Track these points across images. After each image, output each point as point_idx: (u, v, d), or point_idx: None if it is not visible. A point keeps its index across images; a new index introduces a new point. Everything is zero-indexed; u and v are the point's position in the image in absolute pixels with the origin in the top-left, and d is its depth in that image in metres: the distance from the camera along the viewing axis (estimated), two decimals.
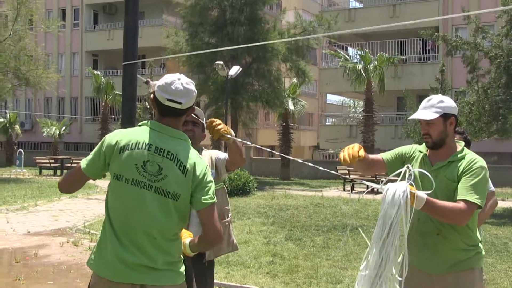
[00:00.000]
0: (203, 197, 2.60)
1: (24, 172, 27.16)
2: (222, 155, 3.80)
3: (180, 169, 2.57)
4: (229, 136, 3.36)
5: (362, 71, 25.62)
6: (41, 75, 25.63)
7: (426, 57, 30.23)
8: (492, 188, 4.59)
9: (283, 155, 2.94)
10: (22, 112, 39.54)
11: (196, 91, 2.71)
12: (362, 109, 28.17)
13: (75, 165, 28.52)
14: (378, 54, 26.19)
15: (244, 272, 7.21)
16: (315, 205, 15.08)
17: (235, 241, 3.91)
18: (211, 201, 2.62)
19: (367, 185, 3.24)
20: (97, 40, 37.67)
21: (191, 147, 2.72)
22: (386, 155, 3.29)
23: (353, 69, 25.79)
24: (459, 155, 3.04)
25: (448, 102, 3.07)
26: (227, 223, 3.83)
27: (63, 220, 11.99)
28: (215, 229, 2.62)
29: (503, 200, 17.96)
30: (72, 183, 2.75)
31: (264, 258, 7.99)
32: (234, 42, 24.18)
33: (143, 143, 2.56)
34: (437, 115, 2.99)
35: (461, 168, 2.95)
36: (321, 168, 3.81)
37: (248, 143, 3.40)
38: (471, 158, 3.00)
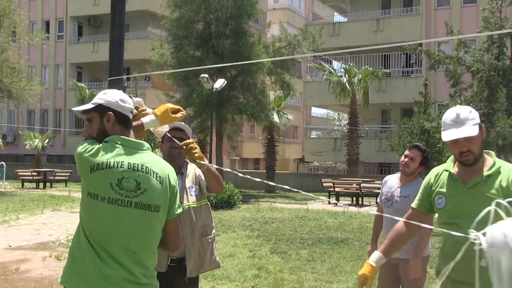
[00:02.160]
0: (175, 207, 2.67)
1: (6, 185, 26.82)
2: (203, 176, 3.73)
3: (157, 179, 2.58)
4: (202, 162, 3.29)
5: (346, 84, 25.81)
6: (24, 87, 25.44)
7: (410, 71, 30.55)
8: None
9: (267, 181, 2.86)
10: (4, 124, 39.17)
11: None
12: (347, 122, 28.32)
13: (58, 178, 28.34)
14: (363, 68, 26.43)
15: (229, 286, 7.17)
16: (300, 218, 15.07)
17: (217, 258, 3.82)
18: (180, 210, 2.72)
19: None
20: (82, 52, 37.53)
21: (156, 154, 2.78)
22: (416, 203, 3.00)
23: (338, 83, 25.97)
24: (495, 167, 2.74)
25: (474, 111, 2.81)
26: (209, 240, 3.74)
27: (46, 234, 11.84)
28: (177, 239, 2.74)
29: None
30: None
31: (249, 272, 7.95)
32: (219, 55, 24.25)
33: (114, 161, 2.51)
34: (477, 128, 2.70)
35: (506, 182, 2.64)
36: (303, 192, 3.81)
37: (227, 169, 3.32)
38: (510, 168, 2.72)
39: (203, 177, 3.62)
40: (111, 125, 2.64)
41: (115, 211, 2.49)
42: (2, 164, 28.23)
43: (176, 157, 3.63)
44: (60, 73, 39.05)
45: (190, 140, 3.33)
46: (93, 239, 2.51)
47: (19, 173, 27.70)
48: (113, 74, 4.16)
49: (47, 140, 33.70)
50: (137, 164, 2.55)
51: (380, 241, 4.80)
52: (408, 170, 4.52)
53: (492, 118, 13.38)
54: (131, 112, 2.74)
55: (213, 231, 3.79)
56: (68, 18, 38.35)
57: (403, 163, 4.54)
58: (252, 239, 11.13)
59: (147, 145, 2.70)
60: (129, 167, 2.52)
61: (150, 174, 2.56)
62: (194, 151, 3.24)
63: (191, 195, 3.63)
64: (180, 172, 3.66)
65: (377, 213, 4.80)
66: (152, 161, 2.62)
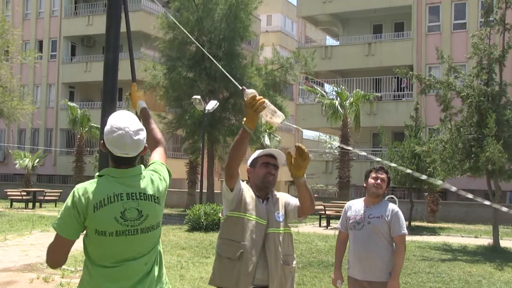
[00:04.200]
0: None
1: None
2: (293, 200, 3.68)
3: (155, 201, 2.72)
4: (304, 178, 3.36)
5: (338, 107, 25.97)
6: (16, 106, 25.39)
7: (401, 95, 30.82)
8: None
9: None
10: None
11: (145, 135, 2.75)
12: (338, 145, 28.42)
13: (48, 198, 28.08)
14: (354, 91, 26.63)
15: None
16: None
17: None
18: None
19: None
20: (74, 72, 37.57)
21: (161, 168, 2.90)
22: None
23: (330, 105, 26.12)
24: None
25: None
26: (291, 270, 3.61)
27: (34, 255, 11.70)
28: None
29: (476, 237, 18.12)
30: (60, 254, 2.69)
31: None
32: (212, 77, 24.37)
33: (113, 195, 2.61)
34: None
35: None
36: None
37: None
38: None
39: (291, 201, 3.63)
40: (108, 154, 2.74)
41: (124, 241, 2.63)
42: None
43: (269, 186, 3.59)
44: (52, 92, 39.02)
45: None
46: (105, 264, 2.63)
47: (8, 193, 27.47)
48: (107, 96, 4.19)
49: (37, 160, 33.55)
50: (135, 193, 2.66)
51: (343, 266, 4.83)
52: (381, 191, 4.62)
53: (482, 143, 13.49)
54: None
55: (294, 262, 3.68)
56: (61, 38, 38.46)
57: (375, 185, 4.59)
58: None
59: (140, 167, 2.76)
60: (128, 197, 2.63)
61: (148, 200, 2.69)
62: (303, 160, 3.32)
63: (277, 220, 3.55)
64: (267, 197, 3.61)
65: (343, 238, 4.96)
66: (148, 184, 2.72)
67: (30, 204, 27.17)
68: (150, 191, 2.70)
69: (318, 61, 30.18)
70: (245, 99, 3.10)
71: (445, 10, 29.23)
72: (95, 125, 31.41)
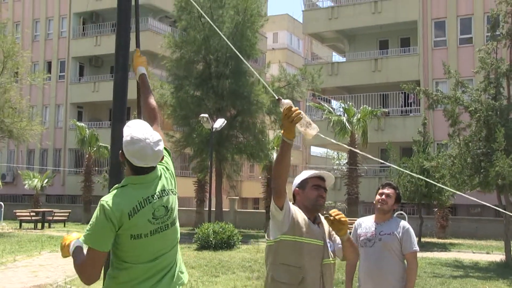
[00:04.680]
0: None
1: (3, 226, 26.63)
2: (337, 237, 3.52)
3: (173, 193, 2.95)
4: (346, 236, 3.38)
5: (346, 123, 25.95)
6: (25, 127, 25.53)
7: (408, 110, 30.77)
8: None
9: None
10: (3, 164, 39.15)
11: (163, 145, 2.87)
12: (346, 161, 28.35)
13: (56, 218, 28.13)
14: (361, 107, 26.61)
15: None
16: None
17: None
18: None
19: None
20: (82, 92, 37.84)
21: (166, 159, 3.03)
22: None
23: (337, 122, 26.11)
24: None
25: None
26: None
27: (43, 276, 11.69)
28: None
29: (487, 253, 17.93)
30: (95, 269, 2.71)
31: None
32: (219, 95, 24.47)
33: (143, 200, 2.76)
34: None
35: None
36: None
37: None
38: None
39: (337, 239, 3.50)
40: (126, 164, 2.85)
41: (159, 238, 2.82)
42: (0, 204, 28.10)
43: (320, 209, 3.51)
44: (60, 112, 39.28)
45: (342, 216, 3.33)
46: (144, 262, 2.80)
47: (17, 214, 27.54)
48: (117, 116, 4.20)
49: (46, 180, 33.64)
50: (159, 192, 2.84)
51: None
52: (386, 207, 4.55)
53: (491, 157, 13.41)
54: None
55: None
56: (70, 59, 38.81)
57: (380, 200, 4.56)
58: (252, 281, 11.00)
59: (156, 171, 2.89)
60: (155, 198, 2.81)
61: (169, 194, 2.90)
62: (341, 217, 3.31)
63: (329, 248, 3.44)
64: (317, 221, 3.48)
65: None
66: (165, 180, 2.92)
67: (39, 225, 27.21)
68: (167, 186, 2.91)
69: (325, 77, 30.25)
70: (281, 109, 3.06)
71: (450, 25, 29.29)
72: (103, 145, 31.52)
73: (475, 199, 3.99)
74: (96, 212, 2.70)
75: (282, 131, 3.12)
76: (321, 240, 3.37)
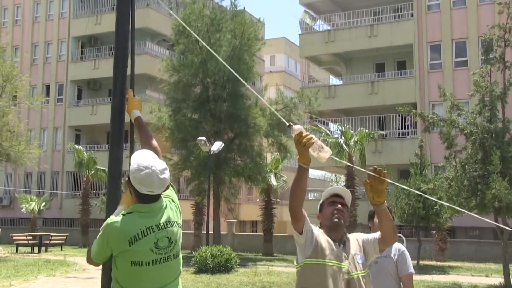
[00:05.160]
0: None
1: (0, 250, 26.46)
2: (369, 236, 3.52)
3: (178, 226, 3.02)
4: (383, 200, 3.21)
5: (343, 146, 26.04)
6: (23, 150, 25.57)
7: (405, 132, 30.90)
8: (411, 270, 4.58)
9: None
10: (0, 187, 39.04)
11: (169, 174, 2.95)
12: (344, 184, 28.37)
13: (54, 242, 28.01)
14: (359, 130, 26.73)
15: None
16: None
17: None
18: None
19: None
20: (81, 115, 37.94)
21: (171, 193, 3.10)
22: None
23: (335, 144, 26.19)
24: None
25: None
26: None
27: None
28: None
29: (486, 276, 17.87)
30: (97, 265, 3.06)
31: None
32: (217, 118, 24.59)
33: (145, 228, 2.84)
34: None
35: None
36: None
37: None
38: None
39: (369, 236, 3.49)
40: (132, 192, 2.94)
41: (161, 268, 2.87)
42: None
43: (339, 224, 3.43)
44: (58, 135, 39.32)
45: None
46: None
47: (14, 237, 27.39)
48: (115, 140, 4.25)
49: (43, 203, 33.54)
50: (163, 223, 2.91)
51: None
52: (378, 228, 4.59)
53: (488, 180, 13.47)
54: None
55: None
56: (68, 82, 38.99)
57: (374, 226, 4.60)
58: None
59: (162, 200, 2.97)
60: (159, 228, 2.88)
61: (173, 226, 2.96)
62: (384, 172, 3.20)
63: (358, 263, 3.40)
64: (343, 241, 3.43)
65: None
66: (170, 212, 2.98)
67: (36, 249, 27.06)
68: (172, 218, 2.97)
69: (322, 100, 30.42)
70: (292, 135, 3.11)
71: (446, 48, 29.59)
72: (101, 168, 31.51)
73: (474, 215, 4.06)
74: (101, 230, 2.88)
75: (297, 156, 3.16)
76: (345, 264, 3.33)
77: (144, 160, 2.89)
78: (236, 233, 31.69)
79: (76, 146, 32.79)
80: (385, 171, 3.21)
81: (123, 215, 2.88)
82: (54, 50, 39.75)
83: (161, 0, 35.94)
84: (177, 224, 3.00)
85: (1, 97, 25.18)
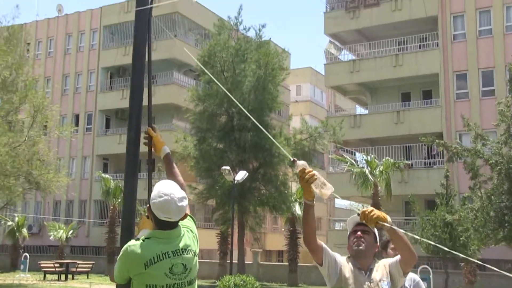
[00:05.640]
0: None
1: (28, 277, 26.79)
2: (393, 259, 3.51)
3: (194, 254, 3.13)
4: (386, 225, 3.18)
5: (368, 175, 25.86)
6: (52, 179, 26.01)
7: (432, 162, 30.54)
8: None
9: None
10: (30, 215, 39.67)
11: (187, 202, 3.08)
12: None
13: (80, 269, 28.25)
14: (384, 159, 26.53)
15: None
16: None
17: None
18: None
19: None
20: (108, 144, 38.55)
21: (190, 224, 3.21)
22: None
23: (360, 174, 26.04)
24: None
25: None
26: None
27: None
28: None
29: None
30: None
31: None
32: (241, 147, 24.73)
33: (161, 254, 2.99)
34: None
35: None
36: None
37: (401, 231, 3.21)
38: None
39: (391, 260, 3.49)
40: (152, 217, 3.10)
41: None
42: (25, 255, 28.35)
43: (359, 251, 3.46)
44: (87, 164, 39.97)
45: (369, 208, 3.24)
46: None
47: (42, 265, 27.73)
48: (130, 170, 4.38)
49: (71, 231, 33.93)
50: (179, 250, 3.05)
51: None
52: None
53: None
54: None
55: None
56: (97, 111, 39.79)
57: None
58: None
59: (179, 228, 3.11)
60: (174, 254, 3.02)
61: (189, 254, 3.09)
62: (371, 214, 3.16)
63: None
64: (370, 268, 3.47)
65: None
66: (187, 240, 3.11)
67: (63, 276, 27.31)
68: (189, 246, 3.10)
69: (348, 129, 30.38)
70: (297, 171, 3.22)
71: (472, 77, 29.37)
72: None
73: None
74: (120, 255, 3.05)
75: (302, 193, 3.28)
76: None
77: (165, 188, 3.07)
78: (261, 262, 31.51)
79: (104, 175, 33.23)
80: (372, 214, 3.20)
81: (142, 240, 3.04)
82: (84, 80, 40.72)
83: (188, 32, 36.64)
84: (193, 252, 3.11)
85: (32, 126, 25.77)
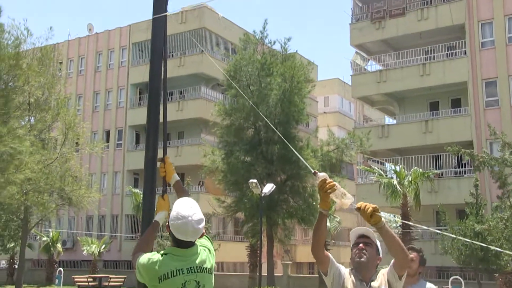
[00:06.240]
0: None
1: None
2: (389, 265, 3.55)
3: (209, 272, 3.28)
4: (379, 219, 3.27)
5: (397, 186, 25.66)
6: (84, 194, 26.54)
7: (462, 171, 30.10)
8: None
9: None
10: (64, 230, 40.43)
11: (204, 224, 3.26)
12: (399, 224, 27.83)
13: (112, 284, 28.65)
14: (412, 169, 26.29)
15: None
16: None
17: None
18: None
19: None
20: (138, 159, 38.98)
21: (207, 243, 3.38)
22: None
23: (388, 184, 25.86)
24: None
25: None
26: None
27: None
28: None
29: None
30: None
31: None
32: (268, 160, 24.84)
33: (175, 270, 3.15)
34: None
35: None
36: None
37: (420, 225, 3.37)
38: None
39: (387, 269, 3.53)
40: (170, 235, 3.29)
41: None
42: (60, 270, 28.91)
43: (361, 263, 3.52)
44: (118, 179, 40.61)
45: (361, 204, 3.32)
46: None
47: (75, 279, 28.24)
48: (147, 187, 4.57)
49: (103, 246, 34.46)
50: (193, 267, 3.20)
51: None
52: (411, 271, 4.60)
53: None
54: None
55: None
56: (127, 127, 40.46)
57: None
58: None
59: (197, 248, 3.28)
60: (188, 271, 3.18)
61: (204, 272, 3.23)
62: (366, 207, 3.26)
63: None
64: (371, 280, 3.54)
65: None
66: (202, 259, 3.26)
67: None
68: (204, 264, 3.25)
69: (376, 140, 30.21)
70: (316, 182, 3.38)
71: (502, 85, 28.93)
72: None
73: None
74: (141, 260, 3.25)
75: (319, 203, 3.40)
76: None
77: (184, 209, 3.23)
78: (291, 275, 31.41)
79: (134, 190, 33.74)
80: (367, 207, 3.31)
81: (161, 254, 3.23)
82: (114, 97, 41.51)
83: (214, 47, 37.06)
84: (208, 270, 3.27)
85: (64, 144, 26.37)
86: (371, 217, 3.28)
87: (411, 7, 32.61)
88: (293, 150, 4.52)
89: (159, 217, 3.71)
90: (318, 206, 3.41)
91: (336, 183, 3.33)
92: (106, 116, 41.77)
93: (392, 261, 3.49)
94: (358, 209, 3.34)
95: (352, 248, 3.65)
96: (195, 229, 3.20)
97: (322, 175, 3.35)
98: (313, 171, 3.44)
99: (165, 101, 4.64)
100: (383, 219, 3.33)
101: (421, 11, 31.91)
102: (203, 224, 3.25)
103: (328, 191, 3.28)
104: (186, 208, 3.24)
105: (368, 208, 3.29)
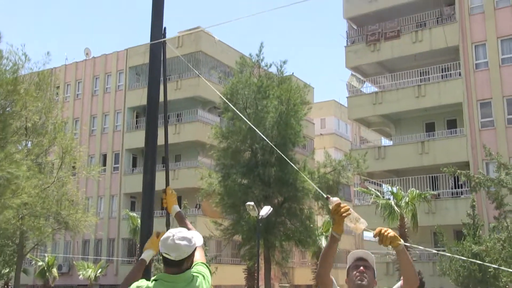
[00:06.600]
0: None
1: None
2: (396, 285, 3.59)
3: None
4: (401, 242, 3.31)
5: (394, 207, 25.65)
6: (80, 218, 26.44)
7: (459, 192, 30.12)
8: None
9: None
10: (60, 255, 40.13)
11: (187, 244, 3.18)
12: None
13: None
14: (409, 190, 26.31)
15: None
16: None
17: None
18: None
19: None
20: (135, 183, 38.94)
21: (204, 270, 3.33)
22: None
23: (385, 206, 25.84)
24: None
25: None
26: None
27: None
28: None
29: None
30: None
31: None
32: (265, 182, 24.85)
33: None
34: None
35: None
36: None
37: (420, 247, 3.44)
38: None
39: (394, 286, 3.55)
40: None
41: None
42: None
43: (362, 286, 3.54)
44: (114, 203, 40.46)
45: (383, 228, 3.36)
46: None
47: None
48: (145, 213, 4.59)
49: (100, 270, 34.20)
50: None
51: None
52: None
53: None
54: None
55: None
56: (123, 151, 40.45)
57: None
58: None
59: (189, 274, 3.23)
60: None
61: None
62: (387, 233, 3.30)
63: None
64: None
65: None
66: (196, 286, 3.19)
67: None
68: None
69: (372, 161, 30.27)
70: (330, 207, 3.40)
71: (497, 105, 29.13)
72: None
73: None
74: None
75: (332, 226, 3.41)
76: None
77: (173, 229, 3.26)
78: None
79: (131, 213, 33.61)
80: (388, 233, 3.34)
81: (151, 281, 3.21)
82: (111, 121, 41.59)
83: (211, 70, 37.31)
84: None
85: (61, 168, 26.35)
86: (391, 242, 3.32)
87: (405, 30, 32.98)
88: (301, 173, 4.56)
89: (146, 255, 3.70)
90: (331, 230, 3.42)
91: (350, 208, 3.36)
92: (103, 140, 41.79)
93: (400, 283, 3.52)
94: (378, 233, 3.35)
95: (350, 270, 3.64)
96: (176, 244, 3.13)
97: (335, 199, 3.39)
98: (325, 196, 3.48)
99: (166, 128, 4.69)
100: (401, 241, 3.36)
101: (415, 33, 32.26)
102: (186, 243, 3.16)
103: (344, 214, 3.30)
104: (177, 228, 3.28)
105: (389, 233, 3.32)
